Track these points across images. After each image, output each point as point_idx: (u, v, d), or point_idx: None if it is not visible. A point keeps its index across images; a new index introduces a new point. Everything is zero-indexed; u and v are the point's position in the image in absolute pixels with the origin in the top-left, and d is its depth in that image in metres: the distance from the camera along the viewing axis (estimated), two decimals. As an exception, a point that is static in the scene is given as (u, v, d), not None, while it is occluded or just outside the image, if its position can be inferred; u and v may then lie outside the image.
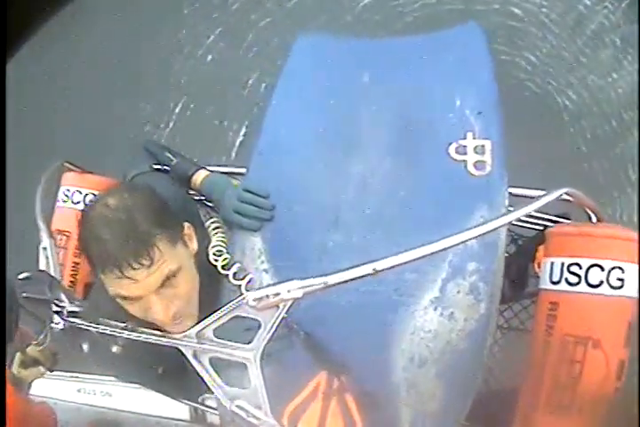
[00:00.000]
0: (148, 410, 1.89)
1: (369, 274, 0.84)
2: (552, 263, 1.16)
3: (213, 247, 1.31)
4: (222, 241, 1.33)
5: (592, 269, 1.10)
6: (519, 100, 2.48)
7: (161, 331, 1.09)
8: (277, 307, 0.88)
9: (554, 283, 1.15)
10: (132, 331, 1.01)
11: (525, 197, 1.39)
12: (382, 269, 0.84)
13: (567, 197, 1.27)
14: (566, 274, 1.13)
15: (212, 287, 1.28)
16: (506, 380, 1.61)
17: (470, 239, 0.87)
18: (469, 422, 1.19)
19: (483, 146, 1.28)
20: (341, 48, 1.52)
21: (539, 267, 1.49)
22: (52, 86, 3.14)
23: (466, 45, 1.43)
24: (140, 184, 1.24)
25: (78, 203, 1.53)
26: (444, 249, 0.84)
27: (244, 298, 0.88)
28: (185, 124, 2.94)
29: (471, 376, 1.19)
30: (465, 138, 1.29)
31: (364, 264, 0.85)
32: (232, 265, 1.28)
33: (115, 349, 1.03)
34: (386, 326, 1.21)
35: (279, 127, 1.40)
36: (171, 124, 2.95)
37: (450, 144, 1.29)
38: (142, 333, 1.00)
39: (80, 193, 1.53)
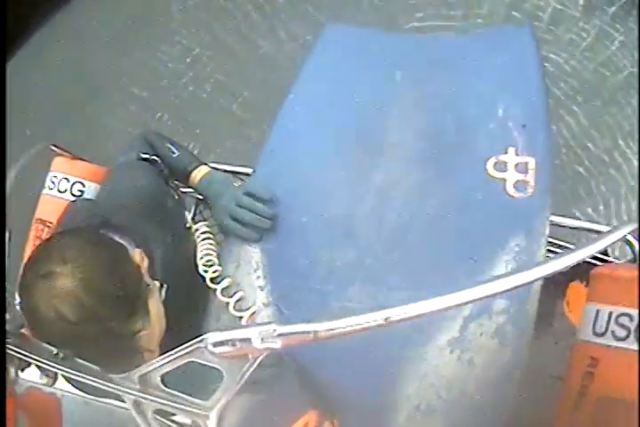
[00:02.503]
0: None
1: (379, 325, 0.63)
2: (598, 311, 0.97)
3: (203, 257, 1.14)
4: (212, 249, 1.17)
5: (645, 323, 0.92)
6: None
7: None
8: (247, 357, 0.66)
9: (597, 335, 0.96)
10: (63, 362, 0.79)
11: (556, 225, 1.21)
12: (397, 320, 0.62)
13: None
14: (613, 326, 0.95)
15: (194, 301, 1.12)
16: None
17: (511, 289, 0.67)
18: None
19: (526, 164, 1.11)
20: (374, 42, 1.35)
21: (568, 306, 1.31)
22: (51, 86, 3.03)
23: (514, 49, 1.27)
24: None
25: (65, 191, 1.38)
26: (478, 300, 0.65)
27: (202, 340, 0.66)
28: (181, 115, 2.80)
29: (487, 433, 1.02)
30: (506, 153, 1.13)
31: (373, 312, 0.63)
32: (222, 279, 1.12)
33: (45, 380, 0.84)
34: (392, 365, 1.04)
35: (295, 123, 1.24)
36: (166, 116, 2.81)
37: (488, 159, 1.12)
38: (74, 367, 0.79)
39: (67, 181, 1.38)
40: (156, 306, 0.94)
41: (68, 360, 0.80)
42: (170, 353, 0.70)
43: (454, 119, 1.18)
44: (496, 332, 1.02)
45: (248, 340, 0.64)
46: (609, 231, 0.76)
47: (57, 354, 0.81)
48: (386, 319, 0.63)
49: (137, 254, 0.96)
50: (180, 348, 0.69)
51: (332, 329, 0.63)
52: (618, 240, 0.77)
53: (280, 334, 0.64)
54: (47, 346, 0.82)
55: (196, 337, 0.69)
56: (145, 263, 0.97)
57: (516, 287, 0.66)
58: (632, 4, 2.33)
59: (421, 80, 1.24)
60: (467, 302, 0.65)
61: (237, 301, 1.10)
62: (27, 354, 0.80)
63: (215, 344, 0.66)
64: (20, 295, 0.88)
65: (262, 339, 0.64)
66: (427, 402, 1.02)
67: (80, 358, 0.82)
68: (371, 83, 1.26)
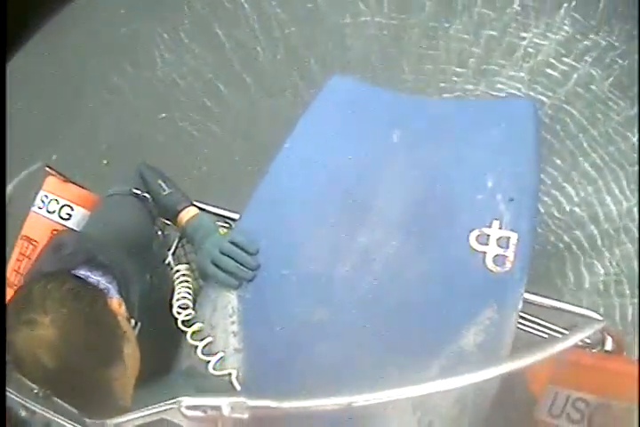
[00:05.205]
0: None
1: (342, 408, 0.66)
2: (556, 394, 1.00)
3: (179, 300, 1.16)
4: (188, 292, 1.18)
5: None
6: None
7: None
8: (215, 424, 0.69)
9: (552, 416, 0.99)
10: (43, 400, 0.82)
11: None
12: (359, 406, 0.66)
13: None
14: (569, 409, 0.98)
15: (167, 339, 1.14)
16: None
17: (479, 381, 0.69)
18: None
19: (508, 238, 1.13)
20: (377, 99, 1.38)
21: (531, 379, 1.33)
22: (51, 86, 3.06)
23: (513, 122, 1.29)
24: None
25: (53, 212, 1.38)
26: (444, 391, 0.68)
27: (176, 402, 0.70)
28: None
29: None
30: (490, 226, 1.15)
31: (337, 396, 0.67)
32: (193, 323, 1.13)
33: (24, 413, 0.84)
34: (352, 420, 1.04)
35: (287, 174, 1.26)
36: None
37: (472, 230, 1.14)
38: (52, 408, 0.80)
39: (57, 202, 1.38)
40: (131, 353, 0.96)
41: (47, 400, 0.82)
42: (145, 408, 0.73)
43: (444, 187, 1.20)
44: (459, 398, 1.03)
45: (219, 408, 0.68)
46: (576, 330, 0.78)
47: (37, 393, 0.83)
48: (349, 404, 0.66)
49: (115, 302, 0.98)
50: (156, 406, 0.72)
51: (298, 408, 0.67)
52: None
53: (249, 407, 0.67)
54: (28, 383, 0.84)
55: (170, 391, 0.75)
56: (122, 309, 0.99)
57: (481, 380, 0.69)
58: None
59: (417, 144, 1.26)
60: (428, 393, 0.67)
61: (206, 345, 1.11)
62: (8, 390, 0.82)
63: (188, 407, 0.69)
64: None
65: (232, 408, 0.67)
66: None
67: (59, 399, 0.84)
68: (367, 141, 1.28)
